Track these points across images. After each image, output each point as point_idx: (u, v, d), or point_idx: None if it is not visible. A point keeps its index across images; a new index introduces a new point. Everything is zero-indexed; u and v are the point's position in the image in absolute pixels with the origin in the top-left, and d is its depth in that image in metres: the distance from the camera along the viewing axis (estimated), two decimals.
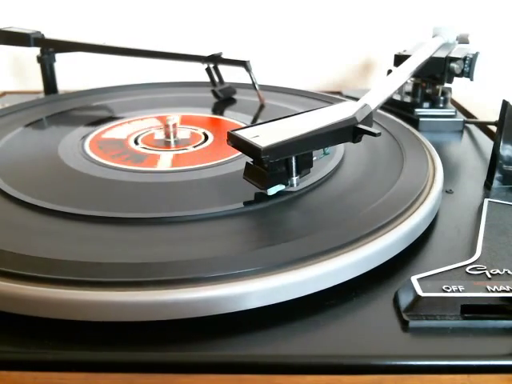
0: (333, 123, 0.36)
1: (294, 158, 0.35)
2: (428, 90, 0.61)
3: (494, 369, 0.25)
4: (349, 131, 0.37)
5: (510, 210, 0.38)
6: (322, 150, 0.37)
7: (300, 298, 0.28)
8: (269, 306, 0.28)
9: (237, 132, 0.36)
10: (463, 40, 0.65)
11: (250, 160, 0.36)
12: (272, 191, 0.36)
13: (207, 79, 0.64)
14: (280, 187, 0.36)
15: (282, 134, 0.35)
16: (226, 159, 0.44)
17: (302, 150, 0.35)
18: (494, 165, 0.42)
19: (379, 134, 0.35)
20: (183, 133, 0.51)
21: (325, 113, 0.38)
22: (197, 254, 0.29)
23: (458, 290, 0.28)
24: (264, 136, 0.35)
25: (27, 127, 0.53)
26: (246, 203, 0.36)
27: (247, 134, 0.35)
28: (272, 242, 0.31)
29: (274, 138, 0.34)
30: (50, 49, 0.67)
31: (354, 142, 0.37)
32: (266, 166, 0.34)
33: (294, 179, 0.36)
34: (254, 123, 0.46)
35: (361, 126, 0.36)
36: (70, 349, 0.25)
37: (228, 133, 0.36)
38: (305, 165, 0.37)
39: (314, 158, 0.37)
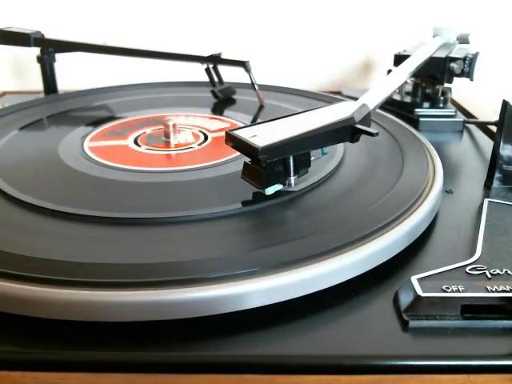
0: (331, 123, 0.36)
1: (291, 158, 0.35)
2: (428, 90, 0.61)
3: (494, 369, 0.25)
4: (347, 131, 0.37)
5: (510, 209, 0.38)
6: (320, 149, 0.37)
7: (300, 298, 0.28)
8: (269, 305, 0.28)
9: (235, 132, 0.36)
10: (463, 40, 0.65)
11: (248, 160, 0.36)
12: (270, 191, 0.36)
13: (207, 79, 0.64)
14: (278, 187, 0.36)
15: (279, 133, 0.34)
16: (226, 159, 0.44)
17: (299, 149, 0.35)
18: (494, 165, 0.42)
19: (377, 134, 0.35)
20: (183, 133, 0.51)
21: (323, 112, 0.38)
22: (196, 255, 0.29)
23: (457, 290, 0.28)
24: (262, 136, 0.35)
25: (27, 127, 0.53)
26: (246, 203, 0.36)
27: (245, 134, 0.35)
28: (271, 242, 0.31)
29: (272, 138, 0.34)
30: (49, 49, 0.67)
31: (351, 141, 0.37)
32: (264, 165, 0.34)
33: (292, 179, 0.36)
34: (252, 123, 0.46)
35: (359, 126, 0.36)
36: (70, 349, 0.25)
37: (226, 133, 0.36)
38: (303, 164, 0.37)
39: (312, 158, 0.37)
